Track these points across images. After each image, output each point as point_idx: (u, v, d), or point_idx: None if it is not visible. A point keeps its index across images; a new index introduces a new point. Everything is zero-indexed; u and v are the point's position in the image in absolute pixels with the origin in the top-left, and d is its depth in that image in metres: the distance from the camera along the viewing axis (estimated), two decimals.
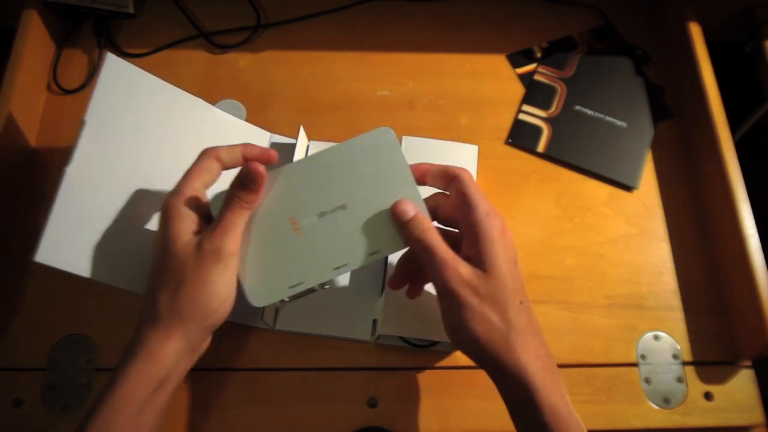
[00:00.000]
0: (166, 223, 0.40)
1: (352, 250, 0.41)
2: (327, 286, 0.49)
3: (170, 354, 0.38)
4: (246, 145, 0.43)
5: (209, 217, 0.41)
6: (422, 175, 0.43)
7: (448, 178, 0.42)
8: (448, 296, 0.39)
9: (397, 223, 0.41)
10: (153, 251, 0.41)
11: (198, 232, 0.40)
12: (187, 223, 0.40)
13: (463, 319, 0.38)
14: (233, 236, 0.39)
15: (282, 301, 0.41)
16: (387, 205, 0.41)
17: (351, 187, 0.42)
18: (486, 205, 0.40)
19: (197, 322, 0.39)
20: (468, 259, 0.39)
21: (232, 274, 0.40)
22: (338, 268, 0.41)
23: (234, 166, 0.42)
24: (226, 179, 0.42)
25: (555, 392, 0.37)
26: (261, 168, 0.40)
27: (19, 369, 0.50)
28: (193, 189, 0.41)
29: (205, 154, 0.42)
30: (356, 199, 0.42)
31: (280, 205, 0.42)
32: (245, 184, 0.40)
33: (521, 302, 0.39)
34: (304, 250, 0.41)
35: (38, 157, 0.58)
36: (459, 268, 0.39)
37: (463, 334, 0.39)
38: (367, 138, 0.42)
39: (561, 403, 0.37)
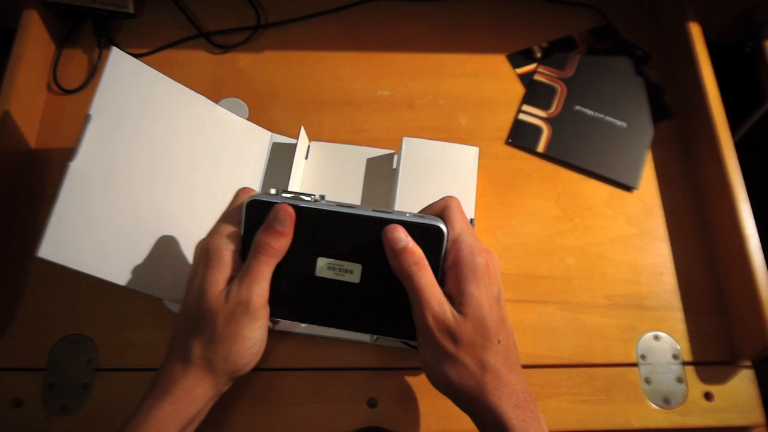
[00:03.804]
0: (206, 266, 0.39)
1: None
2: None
3: (200, 398, 0.39)
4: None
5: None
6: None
7: (439, 209, 0.42)
8: (427, 339, 0.38)
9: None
10: (188, 289, 0.40)
11: (232, 278, 0.39)
12: (226, 270, 0.39)
13: (440, 363, 0.38)
14: (261, 287, 0.39)
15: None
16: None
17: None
18: (471, 241, 0.39)
19: (227, 373, 0.40)
20: (450, 297, 0.39)
21: (262, 326, 0.40)
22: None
23: None
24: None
25: (530, 427, 0.38)
26: (290, 209, 0.39)
27: (19, 369, 0.50)
28: (238, 234, 0.40)
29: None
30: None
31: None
32: (272, 227, 0.39)
33: (499, 341, 0.39)
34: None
35: (38, 157, 0.58)
36: (443, 314, 0.38)
37: (438, 378, 0.39)
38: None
39: None
